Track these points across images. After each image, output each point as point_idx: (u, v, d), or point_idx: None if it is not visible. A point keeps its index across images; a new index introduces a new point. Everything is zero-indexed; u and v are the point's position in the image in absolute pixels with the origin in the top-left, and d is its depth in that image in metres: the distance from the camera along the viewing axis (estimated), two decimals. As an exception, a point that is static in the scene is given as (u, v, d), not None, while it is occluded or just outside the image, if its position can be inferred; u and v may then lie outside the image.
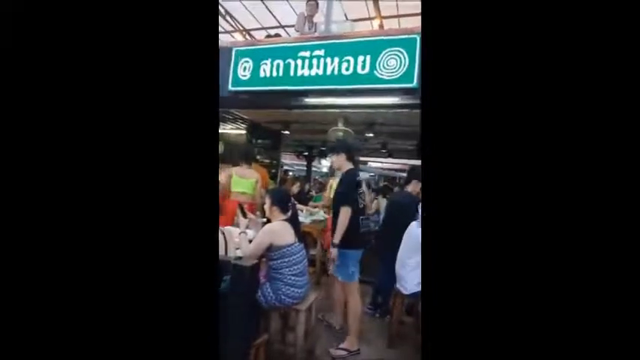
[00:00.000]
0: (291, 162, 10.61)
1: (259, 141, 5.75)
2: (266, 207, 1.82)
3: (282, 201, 1.83)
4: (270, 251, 1.68)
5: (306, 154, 8.24)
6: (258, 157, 4.72)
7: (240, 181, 3.01)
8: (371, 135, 4.51)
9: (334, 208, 1.99)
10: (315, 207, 3.81)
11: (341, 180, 2.11)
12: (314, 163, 8.95)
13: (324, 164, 10.97)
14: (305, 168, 8.87)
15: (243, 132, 5.57)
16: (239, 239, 1.75)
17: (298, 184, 3.98)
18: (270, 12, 6.10)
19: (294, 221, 1.81)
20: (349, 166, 2.06)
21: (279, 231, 1.70)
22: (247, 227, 1.84)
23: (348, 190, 1.96)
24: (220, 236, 1.24)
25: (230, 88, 3.36)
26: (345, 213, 1.88)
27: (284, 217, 1.79)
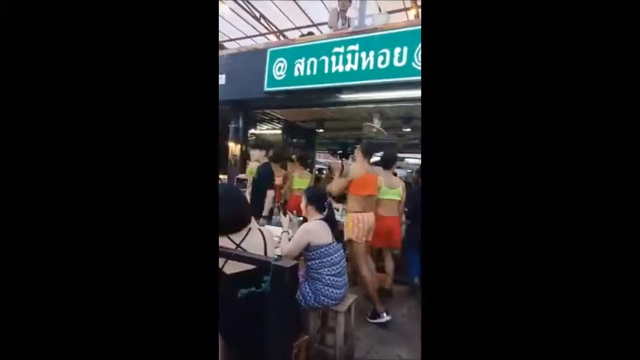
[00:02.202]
0: (325, 160, 10.61)
1: (294, 140, 5.81)
2: (302, 206, 1.81)
3: (318, 200, 1.81)
4: (308, 251, 1.66)
5: (340, 152, 8.18)
6: (292, 156, 4.76)
7: (299, 180, 3.49)
8: (408, 130, 4.35)
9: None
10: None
11: (257, 171, 2.80)
12: (348, 161, 8.87)
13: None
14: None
15: (279, 132, 5.66)
16: (280, 238, 1.76)
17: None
18: (302, 11, 6.12)
19: (330, 220, 1.78)
20: (265, 160, 2.86)
21: (317, 230, 1.68)
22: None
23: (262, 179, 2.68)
24: (259, 236, 1.24)
25: (266, 88, 3.41)
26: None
27: (320, 216, 1.76)
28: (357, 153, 2.55)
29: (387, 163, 2.81)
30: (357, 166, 2.48)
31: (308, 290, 1.67)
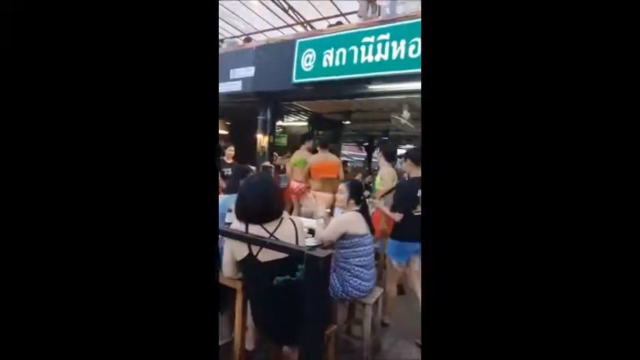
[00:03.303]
0: (349, 153, 10.52)
1: (320, 132, 5.80)
2: (343, 197, 1.80)
3: (358, 193, 1.82)
4: (343, 239, 1.67)
5: (367, 144, 8.08)
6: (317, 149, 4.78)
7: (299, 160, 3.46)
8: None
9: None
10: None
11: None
12: (374, 154, 8.75)
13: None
14: (363, 159, 8.72)
15: (305, 124, 5.67)
16: (317, 225, 1.79)
17: (359, 175, 3.91)
18: (331, 1, 6.03)
19: (365, 213, 1.78)
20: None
21: (355, 221, 1.70)
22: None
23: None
24: (291, 225, 1.25)
25: (294, 80, 3.41)
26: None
27: (357, 207, 1.77)
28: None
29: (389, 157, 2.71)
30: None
31: (336, 281, 1.68)
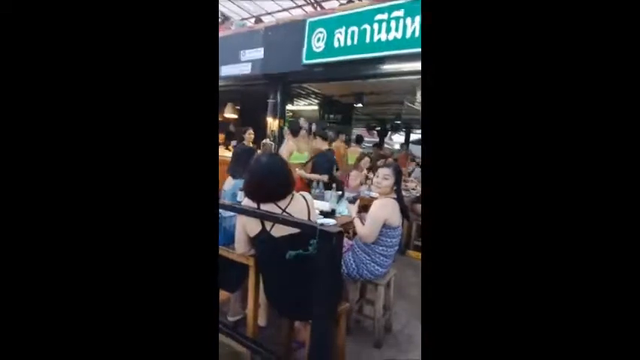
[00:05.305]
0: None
1: (331, 116, 5.73)
2: (388, 184, 1.67)
3: (399, 181, 1.71)
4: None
5: (378, 128, 7.96)
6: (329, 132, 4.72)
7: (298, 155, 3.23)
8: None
9: None
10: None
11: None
12: (385, 139, 8.63)
13: (396, 140, 10.50)
14: (373, 144, 8.61)
15: (316, 107, 5.60)
16: (355, 220, 1.75)
17: (367, 159, 3.84)
18: (342, -21, 5.82)
19: (400, 200, 1.71)
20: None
21: (395, 209, 1.64)
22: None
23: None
24: (302, 201, 1.25)
25: (304, 61, 3.34)
26: None
27: (395, 195, 1.70)
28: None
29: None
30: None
31: (352, 261, 1.67)
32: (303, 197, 1.26)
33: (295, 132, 3.07)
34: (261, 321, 1.60)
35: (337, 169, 3.38)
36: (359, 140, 4.84)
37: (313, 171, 3.03)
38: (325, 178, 2.92)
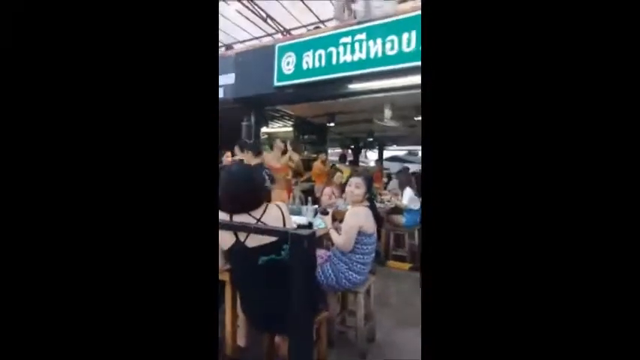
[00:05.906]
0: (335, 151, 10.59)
1: (306, 136, 5.84)
2: (360, 192, 1.73)
3: (370, 189, 1.79)
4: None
5: (352, 147, 8.17)
6: (305, 152, 4.83)
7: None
8: (419, 119, 4.30)
9: None
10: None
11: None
12: (360, 157, 8.84)
13: (370, 157, 10.77)
14: (348, 162, 8.80)
15: (290, 129, 5.70)
16: (330, 231, 1.79)
17: (339, 174, 3.94)
18: (309, 9, 6.16)
19: (373, 208, 1.77)
20: None
21: (368, 217, 1.68)
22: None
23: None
24: (277, 210, 1.27)
25: (275, 83, 3.45)
26: None
27: (368, 204, 1.75)
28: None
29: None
30: None
31: (330, 272, 1.68)
32: (278, 206, 1.28)
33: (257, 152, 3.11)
34: (241, 341, 1.55)
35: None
36: (342, 159, 5.25)
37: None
38: None
